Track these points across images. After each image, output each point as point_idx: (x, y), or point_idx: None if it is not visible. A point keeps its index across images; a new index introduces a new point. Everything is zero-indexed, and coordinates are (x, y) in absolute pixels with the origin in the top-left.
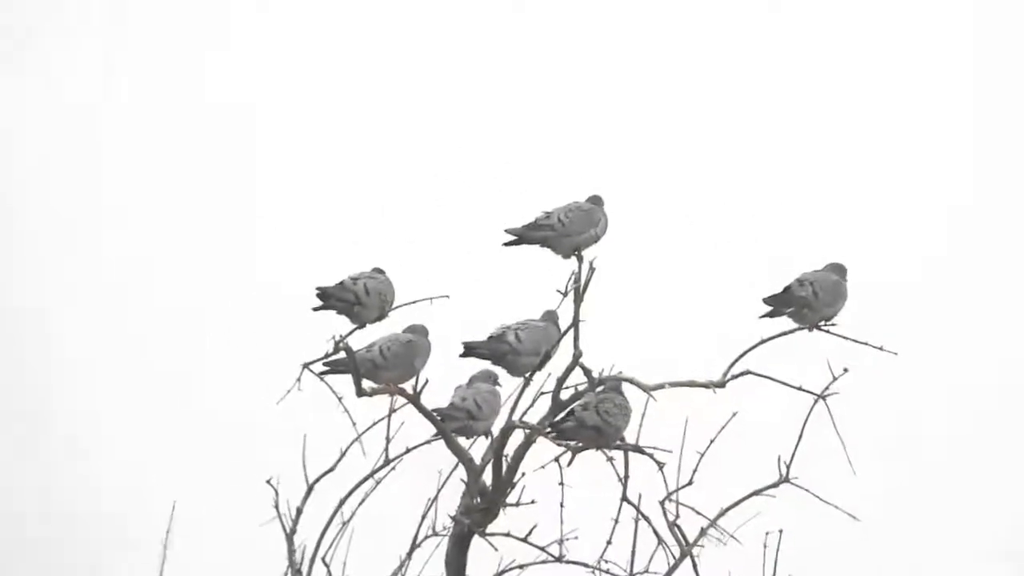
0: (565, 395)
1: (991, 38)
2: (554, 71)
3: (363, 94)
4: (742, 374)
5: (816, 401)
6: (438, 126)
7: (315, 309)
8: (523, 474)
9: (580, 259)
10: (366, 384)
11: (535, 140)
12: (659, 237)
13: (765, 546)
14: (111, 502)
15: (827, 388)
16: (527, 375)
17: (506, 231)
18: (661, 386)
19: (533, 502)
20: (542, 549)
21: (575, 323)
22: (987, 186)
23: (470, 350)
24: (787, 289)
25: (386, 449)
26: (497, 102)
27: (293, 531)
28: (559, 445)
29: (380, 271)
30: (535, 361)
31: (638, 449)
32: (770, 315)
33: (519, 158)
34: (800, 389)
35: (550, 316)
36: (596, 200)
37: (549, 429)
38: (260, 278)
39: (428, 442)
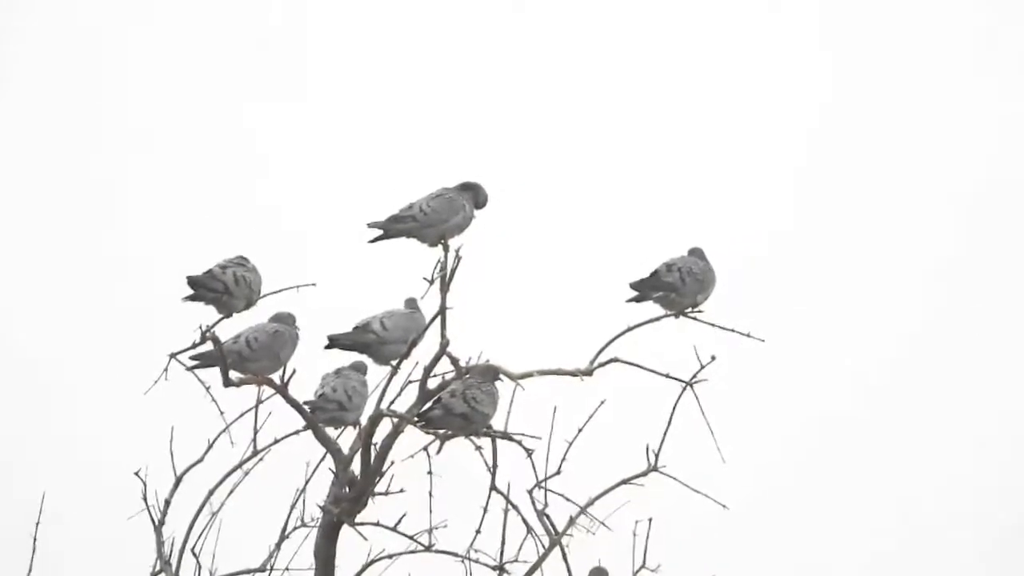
0: (433, 384)
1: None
2: (553, 70)
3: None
4: (609, 361)
5: (684, 388)
6: (435, 126)
7: (185, 299)
8: (392, 463)
9: (446, 248)
10: (233, 375)
11: (531, 138)
12: (528, 225)
13: (635, 534)
14: None
15: (695, 375)
16: (394, 363)
17: (369, 225)
18: (529, 374)
19: (402, 491)
20: (411, 538)
21: (442, 311)
22: (829, 159)
23: (334, 342)
24: (654, 274)
25: (254, 440)
26: (494, 100)
27: (162, 523)
28: (427, 433)
29: (245, 259)
30: (402, 349)
31: (506, 436)
32: (637, 300)
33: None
34: (668, 376)
35: (413, 303)
36: (466, 187)
37: (417, 418)
38: (125, 267)
39: (296, 432)
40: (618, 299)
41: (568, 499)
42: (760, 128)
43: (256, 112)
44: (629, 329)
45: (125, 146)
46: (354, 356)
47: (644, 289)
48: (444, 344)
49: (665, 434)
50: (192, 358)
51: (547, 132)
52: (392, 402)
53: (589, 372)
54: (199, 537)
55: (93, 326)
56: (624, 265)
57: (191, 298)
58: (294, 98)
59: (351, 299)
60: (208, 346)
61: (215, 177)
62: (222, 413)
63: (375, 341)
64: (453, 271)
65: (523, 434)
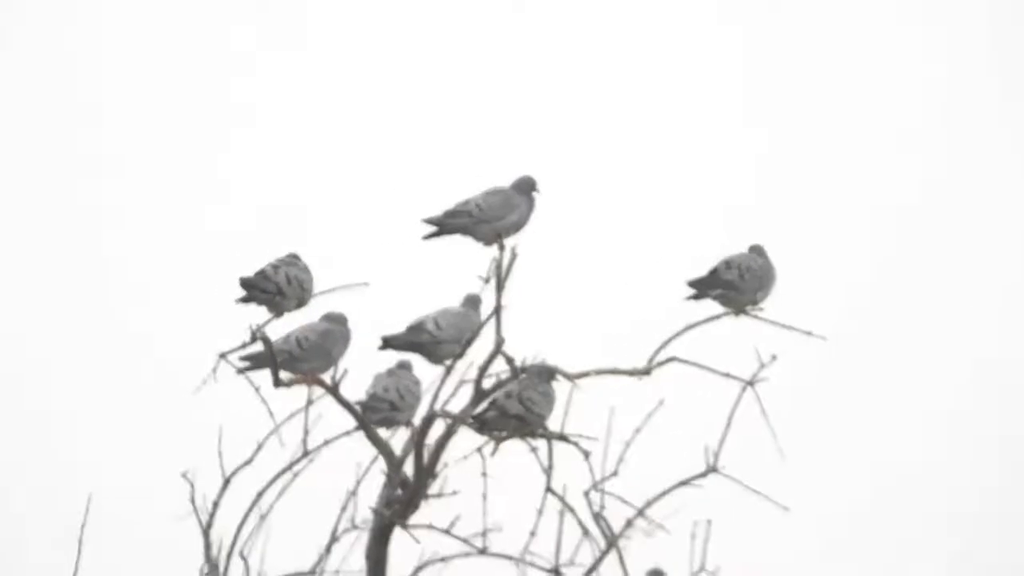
0: (487, 384)
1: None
2: (553, 71)
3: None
4: (668, 361)
5: (744, 388)
6: (431, 123)
7: (238, 301)
8: (445, 465)
9: (502, 245)
10: (284, 375)
11: (528, 136)
12: (580, 222)
13: (693, 536)
14: (25, 496)
15: (756, 374)
16: (448, 363)
17: (424, 220)
18: (585, 374)
19: (455, 493)
20: (465, 541)
21: (497, 310)
22: (911, 171)
23: (388, 343)
24: (713, 272)
25: (304, 441)
26: (495, 100)
27: (209, 525)
28: (481, 435)
29: (296, 257)
30: (456, 349)
31: (562, 438)
32: (695, 298)
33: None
34: (728, 376)
35: (471, 301)
36: (523, 183)
37: (471, 419)
38: (176, 266)
39: (347, 433)
40: (676, 297)
41: (625, 501)
42: (791, 127)
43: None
44: (688, 328)
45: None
46: (406, 355)
47: (703, 287)
48: (499, 343)
49: (725, 434)
50: (242, 358)
51: (572, 126)
52: (446, 403)
53: (647, 371)
54: (248, 540)
55: (141, 326)
56: (683, 263)
57: (243, 300)
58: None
59: (403, 297)
60: (258, 346)
61: (283, 168)
62: (272, 414)
63: (429, 341)
64: (509, 269)
65: (580, 435)
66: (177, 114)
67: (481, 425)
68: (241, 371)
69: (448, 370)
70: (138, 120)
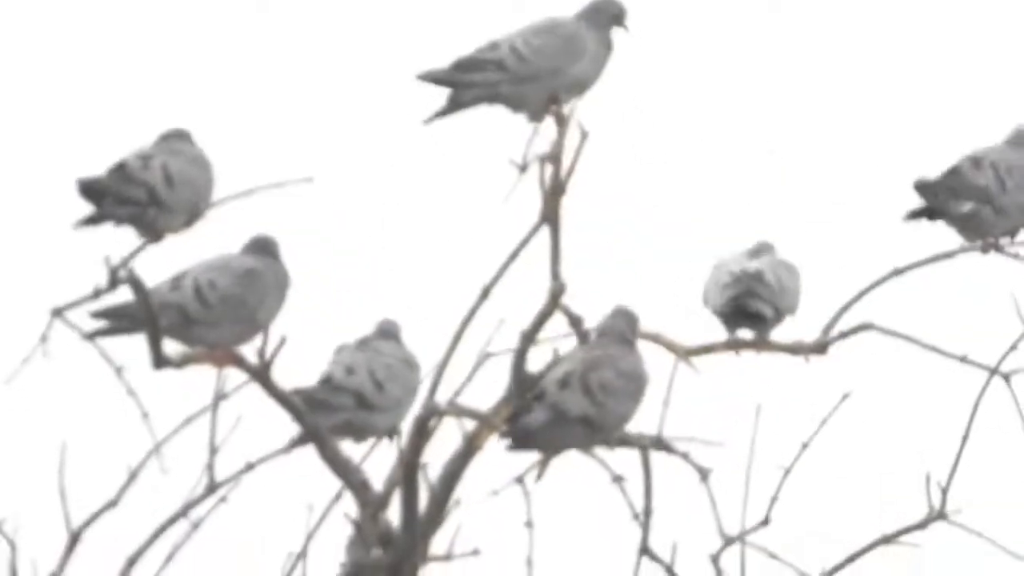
0: (535, 362)
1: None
2: None
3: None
4: (856, 330)
5: (990, 377)
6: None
7: (80, 224)
8: (457, 503)
9: (559, 117)
10: (172, 347)
11: None
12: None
13: None
14: None
15: (1005, 356)
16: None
17: (420, 78)
18: (709, 348)
19: (476, 553)
20: None
21: (554, 229)
22: None
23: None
24: (952, 172)
25: (210, 467)
26: None
27: None
28: (520, 452)
29: (184, 136)
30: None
31: (664, 446)
32: (927, 215)
33: None
34: (963, 360)
35: (385, 332)
36: (599, 9)
37: (505, 426)
38: None
39: (285, 451)
40: (876, 220)
41: (787, 564)
42: None
43: None
44: (896, 273)
45: None
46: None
47: (931, 199)
48: (556, 291)
49: (959, 457)
50: (94, 315)
51: None
52: (458, 393)
53: (821, 348)
54: None
55: None
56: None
57: (90, 220)
58: None
59: (376, 207)
60: (124, 296)
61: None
62: (145, 415)
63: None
64: (575, 159)
65: (690, 439)
66: None
67: (520, 437)
68: (91, 336)
69: (445, 360)
70: None
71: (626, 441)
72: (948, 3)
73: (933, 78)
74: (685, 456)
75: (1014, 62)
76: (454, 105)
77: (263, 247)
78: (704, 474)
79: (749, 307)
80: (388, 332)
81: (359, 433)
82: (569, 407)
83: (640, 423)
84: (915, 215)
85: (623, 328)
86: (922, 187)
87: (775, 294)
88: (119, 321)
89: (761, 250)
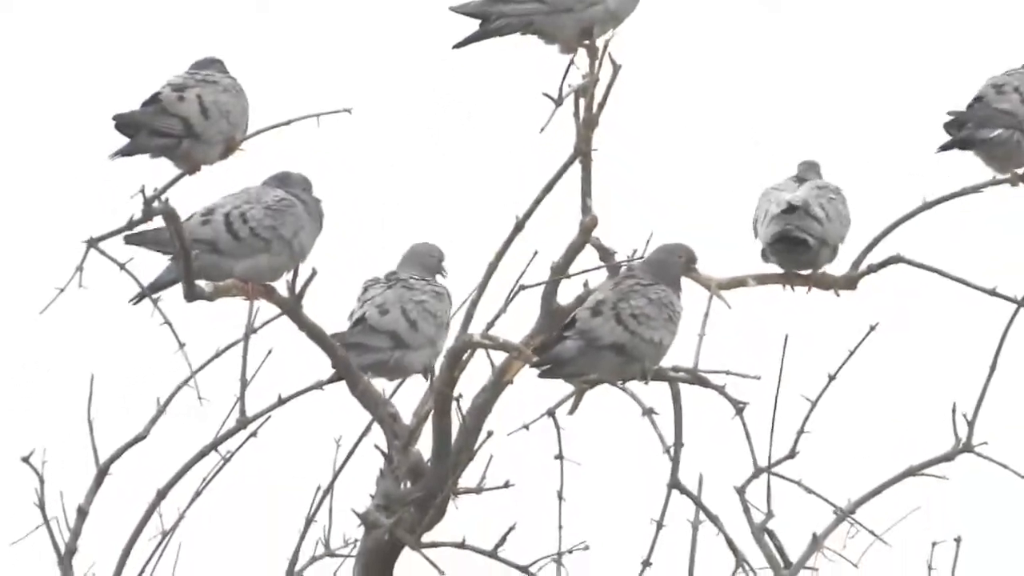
0: (567, 295)
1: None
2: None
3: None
4: (886, 263)
5: (1017, 309)
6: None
7: (115, 155)
8: (489, 435)
9: (592, 49)
10: (203, 281)
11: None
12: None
13: (930, 568)
14: None
15: None
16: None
17: (452, 9)
18: (741, 281)
19: (508, 485)
20: (526, 571)
21: (586, 162)
22: None
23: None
24: (977, 102)
25: (241, 400)
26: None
27: (71, 550)
28: (553, 380)
29: (218, 64)
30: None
31: (700, 380)
32: (958, 145)
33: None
34: (992, 292)
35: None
36: None
37: (537, 355)
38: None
39: (317, 387)
40: (904, 151)
41: (815, 494)
42: None
43: None
44: (926, 207)
45: None
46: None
47: (961, 129)
48: (588, 225)
49: (985, 389)
50: (127, 240)
51: None
52: (490, 326)
53: (851, 283)
54: (142, 571)
55: None
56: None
57: (125, 152)
58: None
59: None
60: (158, 227)
61: None
62: (182, 346)
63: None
64: (607, 91)
65: (727, 371)
66: None
67: (552, 366)
68: (125, 265)
69: (479, 292)
70: None
71: (662, 375)
72: None
73: (920, 69)
74: (721, 390)
75: (1012, 61)
76: (485, 32)
77: (293, 180)
78: (739, 408)
79: (795, 238)
80: (426, 257)
81: (395, 372)
82: (601, 335)
83: (674, 358)
84: (946, 147)
85: (657, 259)
86: (952, 116)
87: (821, 225)
88: (152, 247)
89: (809, 168)
